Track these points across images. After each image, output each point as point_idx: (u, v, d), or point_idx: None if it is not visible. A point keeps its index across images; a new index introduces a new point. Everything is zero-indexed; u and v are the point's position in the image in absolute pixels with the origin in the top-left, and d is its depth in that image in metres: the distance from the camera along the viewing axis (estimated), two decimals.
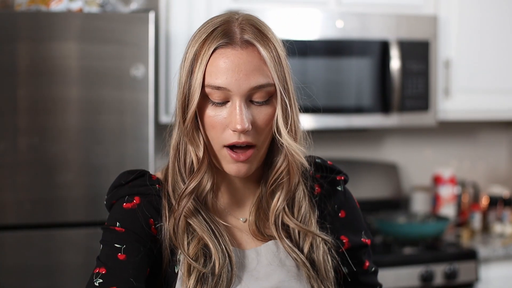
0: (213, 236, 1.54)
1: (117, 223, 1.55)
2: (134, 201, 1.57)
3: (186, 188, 1.54)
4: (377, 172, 3.93)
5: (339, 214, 1.67)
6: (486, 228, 3.90)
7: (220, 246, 1.53)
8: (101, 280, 1.49)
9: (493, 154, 4.31)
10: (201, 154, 1.53)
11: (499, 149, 4.31)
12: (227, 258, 1.53)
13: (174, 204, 1.56)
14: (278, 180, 1.58)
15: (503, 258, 3.48)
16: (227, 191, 1.62)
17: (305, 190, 1.62)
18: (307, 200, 1.62)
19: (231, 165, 1.53)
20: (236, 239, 1.61)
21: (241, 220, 1.63)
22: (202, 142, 1.53)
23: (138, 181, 1.60)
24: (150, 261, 1.55)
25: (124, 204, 1.57)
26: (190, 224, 1.55)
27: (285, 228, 1.59)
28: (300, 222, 1.59)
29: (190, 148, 1.54)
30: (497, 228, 3.80)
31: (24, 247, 2.76)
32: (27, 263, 2.76)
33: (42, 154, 2.77)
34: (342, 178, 1.71)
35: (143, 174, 1.62)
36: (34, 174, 2.76)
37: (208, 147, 1.55)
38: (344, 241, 1.66)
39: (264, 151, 1.56)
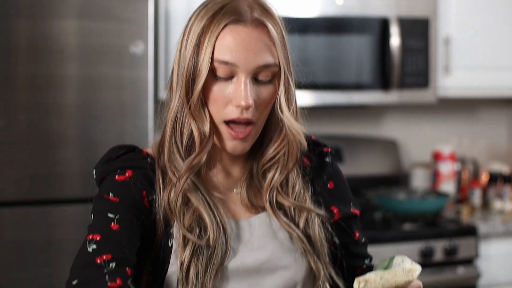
0: (208, 208, 1.54)
1: (110, 193, 1.55)
2: (127, 174, 1.57)
3: (191, 162, 1.54)
4: (377, 148, 3.93)
5: (328, 186, 1.69)
6: (486, 204, 3.90)
7: (215, 218, 1.54)
8: (95, 246, 1.48)
9: (493, 131, 4.30)
10: (207, 129, 1.53)
11: (499, 126, 4.31)
12: (221, 230, 1.54)
13: (170, 176, 1.56)
14: (274, 158, 1.60)
15: (503, 234, 3.48)
16: (219, 164, 1.63)
17: (299, 169, 1.64)
18: (300, 178, 1.63)
19: (228, 142, 1.54)
20: (230, 210, 1.62)
21: (234, 191, 1.64)
22: (208, 117, 1.54)
23: (129, 155, 1.60)
24: (141, 234, 1.54)
25: (117, 176, 1.57)
26: (186, 197, 1.55)
27: (280, 205, 1.61)
28: (294, 200, 1.61)
29: (193, 124, 1.54)
30: (497, 204, 3.80)
31: (22, 223, 2.76)
32: (25, 239, 2.76)
33: (41, 130, 2.77)
34: (329, 150, 1.72)
35: (134, 148, 1.62)
36: (33, 151, 2.76)
37: None
38: (334, 211, 1.67)
39: (260, 130, 1.57)
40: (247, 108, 1.49)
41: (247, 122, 1.52)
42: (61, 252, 2.77)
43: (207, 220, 1.53)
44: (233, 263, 1.56)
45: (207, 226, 1.53)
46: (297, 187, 1.62)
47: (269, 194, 1.60)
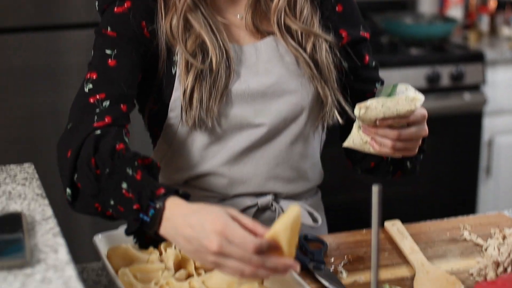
0: (210, 32, 1.51)
1: (109, 27, 1.52)
2: (125, 5, 1.53)
3: None
4: None
5: (336, 8, 1.63)
6: (493, 31, 3.83)
7: (217, 42, 1.51)
8: (91, 86, 1.48)
9: None
10: None
11: None
12: (224, 54, 1.52)
13: None
14: None
15: (510, 61, 3.44)
16: None
17: None
18: (309, 3, 1.57)
19: None
20: (233, 35, 1.58)
21: (238, 17, 1.59)
22: None
23: None
24: (143, 66, 1.53)
25: (116, 8, 1.53)
26: (188, 21, 1.52)
27: (287, 28, 1.56)
28: (302, 24, 1.56)
29: None
30: (505, 31, 3.74)
31: (27, 49, 2.71)
32: (31, 65, 2.72)
33: None
34: None
35: None
36: None
37: None
38: (343, 35, 1.62)
39: None
40: None
41: None
42: (67, 78, 2.74)
43: (209, 43, 1.50)
44: (237, 87, 1.54)
45: (209, 50, 1.50)
46: (305, 11, 1.57)
47: (277, 15, 1.55)
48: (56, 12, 2.73)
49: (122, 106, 1.46)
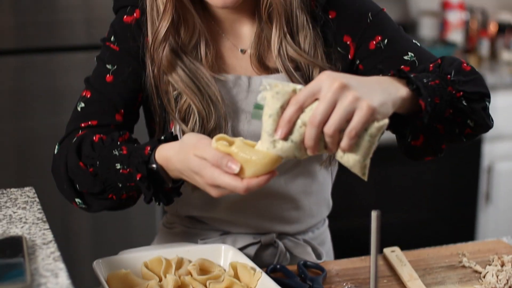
0: (197, 94, 1.46)
1: (113, 38, 1.52)
2: (135, 14, 1.51)
3: (156, 35, 1.45)
4: None
5: (329, 16, 1.52)
6: (494, 55, 3.85)
7: (206, 103, 1.46)
8: (83, 105, 1.50)
9: None
10: None
11: None
12: (213, 113, 1.46)
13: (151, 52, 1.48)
14: (270, 8, 1.47)
15: (510, 86, 3.45)
16: (220, 19, 1.53)
17: (307, 17, 1.50)
18: (311, 28, 1.49)
19: None
20: (234, 67, 1.54)
21: (240, 51, 1.54)
22: None
23: None
24: (143, 84, 1.52)
25: (125, 16, 1.52)
26: (170, 82, 1.48)
27: (291, 58, 1.49)
28: (307, 54, 1.48)
29: None
30: (505, 55, 3.76)
31: (27, 71, 2.73)
32: (30, 87, 2.74)
33: None
34: None
35: None
36: None
37: None
38: (348, 42, 1.51)
39: None
40: None
41: None
42: (66, 100, 2.75)
43: (196, 108, 1.45)
44: (239, 127, 1.51)
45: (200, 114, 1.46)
46: (308, 38, 1.49)
47: (278, 44, 1.47)
48: (55, 34, 2.74)
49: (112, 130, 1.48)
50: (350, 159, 1.15)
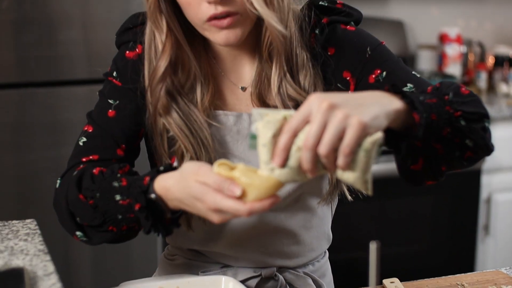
0: (191, 139, 1.47)
1: (115, 73, 1.53)
2: (137, 50, 1.52)
3: (153, 74, 1.47)
4: (383, 29, 3.86)
5: (328, 53, 1.52)
6: (491, 88, 3.87)
7: (198, 146, 1.47)
8: (85, 139, 1.50)
9: (501, 13, 4.23)
10: (164, 38, 1.45)
11: (506, 8, 4.23)
12: (203, 157, 1.47)
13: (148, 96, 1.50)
14: (270, 47, 1.47)
15: (508, 118, 3.47)
16: (221, 57, 1.54)
17: (308, 56, 1.50)
18: (311, 66, 1.49)
19: (218, 34, 1.41)
20: (236, 107, 1.55)
21: (240, 88, 1.55)
22: (165, 26, 1.44)
23: (145, 26, 1.51)
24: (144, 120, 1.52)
25: (127, 52, 1.53)
26: (165, 126, 1.49)
27: (290, 97, 1.49)
28: (307, 93, 1.48)
29: (157, 35, 1.46)
30: (503, 88, 3.77)
31: (28, 105, 2.74)
32: (31, 121, 2.74)
33: (46, 10, 2.70)
34: (326, 21, 1.53)
35: None
36: (37, 31, 2.70)
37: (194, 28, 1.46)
38: (347, 78, 1.51)
39: (253, 16, 1.42)
40: (217, 1, 1.36)
41: (229, 14, 1.39)
42: (67, 134, 2.76)
43: (190, 154, 1.47)
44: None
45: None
46: (308, 77, 1.49)
47: (278, 83, 1.48)
48: (56, 69, 2.76)
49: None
50: (350, 176, 1.14)
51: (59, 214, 1.47)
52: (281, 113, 1.16)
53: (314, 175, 1.14)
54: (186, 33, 1.48)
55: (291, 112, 1.15)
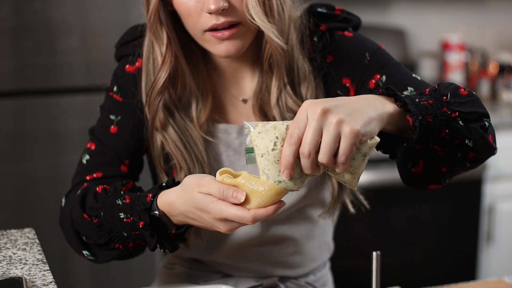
0: (185, 155, 1.46)
1: (116, 88, 1.52)
2: (137, 63, 1.51)
3: (152, 87, 1.45)
4: (384, 37, 3.86)
5: (327, 60, 1.50)
6: (494, 95, 3.86)
7: (192, 162, 1.47)
8: (88, 157, 1.50)
9: (503, 20, 4.22)
10: (164, 49, 1.44)
11: (508, 15, 4.23)
12: (198, 172, 1.46)
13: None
14: (271, 59, 1.46)
15: (510, 126, 3.45)
16: (221, 69, 1.52)
17: (309, 67, 1.49)
18: (313, 78, 1.48)
19: (218, 45, 1.39)
20: (237, 119, 1.54)
21: (241, 100, 1.54)
22: (165, 38, 1.43)
23: (144, 38, 1.50)
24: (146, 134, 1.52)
25: (127, 66, 1.52)
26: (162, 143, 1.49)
27: (290, 109, 1.48)
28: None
29: (156, 47, 1.45)
30: (505, 96, 3.76)
31: (27, 113, 2.73)
32: (30, 130, 2.73)
33: (44, 19, 2.69)
34: (325, 27, 1.52)
35: None
36: (36, 39, 2.69)
37: (193, 38, 1.45)
38: (347, 85, 1.50)
39: (254, 27, 1.40)
40: (218, 11, 1.34)
41: (230, 25, 1.38)
42: (66, 142, 2.75)
43: (182, 169, 1.47)
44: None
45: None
46: (310, 88, 1.48)
47: (277, 95, 1.46)
48: (55, 77, 2.74)
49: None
50: (345, 176, 1.16)
51: (65, 234, 1.47)
52: (270, 123, 1.16)
53: (314, 173, 1.14)
54: (183, 48, 1.47)
55: (280, 123, 1.16)
